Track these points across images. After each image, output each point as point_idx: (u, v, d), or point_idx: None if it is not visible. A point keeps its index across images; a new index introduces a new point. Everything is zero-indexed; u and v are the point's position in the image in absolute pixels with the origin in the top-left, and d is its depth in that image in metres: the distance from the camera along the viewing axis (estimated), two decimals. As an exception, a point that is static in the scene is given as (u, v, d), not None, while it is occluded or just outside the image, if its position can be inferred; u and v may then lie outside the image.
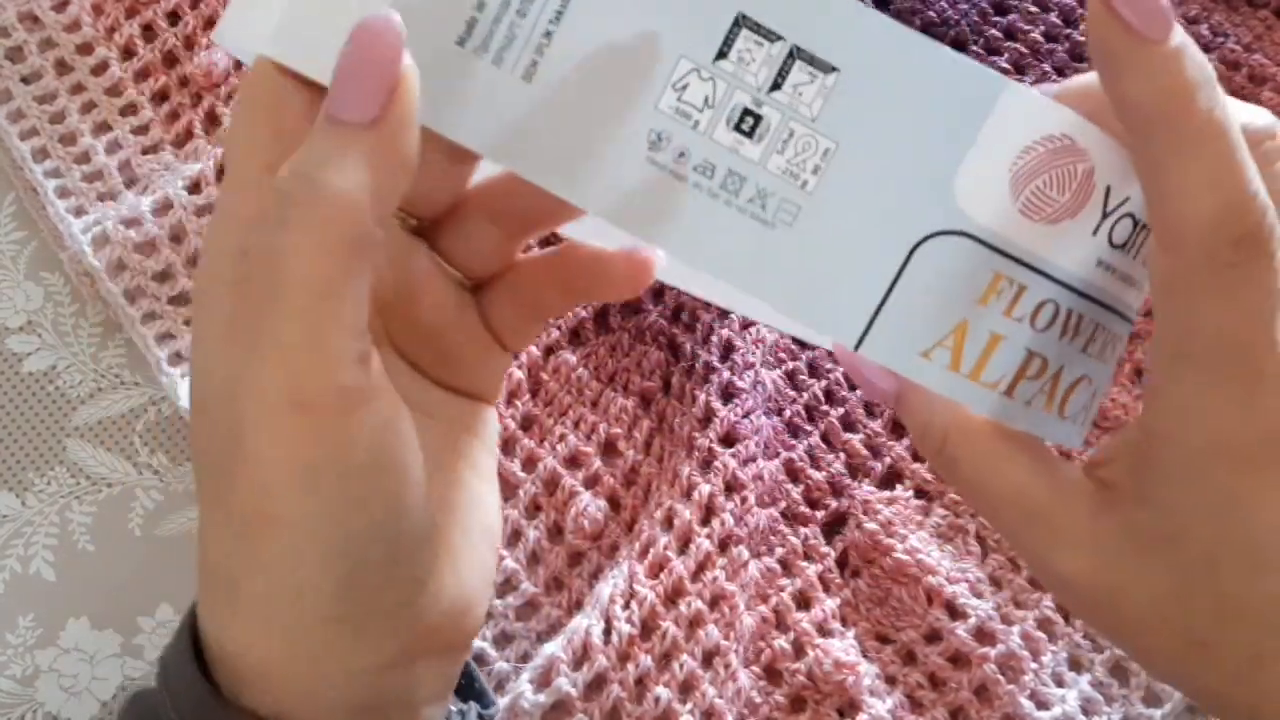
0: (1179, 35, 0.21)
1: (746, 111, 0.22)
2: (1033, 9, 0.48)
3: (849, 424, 0.41)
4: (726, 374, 0.40)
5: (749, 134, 0.22)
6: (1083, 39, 0.47)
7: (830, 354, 0.42)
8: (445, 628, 0.24)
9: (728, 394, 0.40)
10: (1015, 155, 0.22)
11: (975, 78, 0.21)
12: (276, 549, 0.21)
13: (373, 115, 0.19)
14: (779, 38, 0.21)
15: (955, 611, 0.38)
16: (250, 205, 0.21)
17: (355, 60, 0.19)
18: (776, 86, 0.22)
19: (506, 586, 0.39)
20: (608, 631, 0.36)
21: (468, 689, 0.29)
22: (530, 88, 0.21)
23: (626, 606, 0.37)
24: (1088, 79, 0.23)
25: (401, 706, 0.24)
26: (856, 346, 0.22)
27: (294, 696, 0.23)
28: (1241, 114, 0.22)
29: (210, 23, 0.49)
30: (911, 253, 0.22)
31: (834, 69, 0.21)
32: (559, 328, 0.42)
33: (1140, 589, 0.23)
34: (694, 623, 0.37)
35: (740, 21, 0.21)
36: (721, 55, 0.21)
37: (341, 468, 0.21)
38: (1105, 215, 0.22)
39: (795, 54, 0.21)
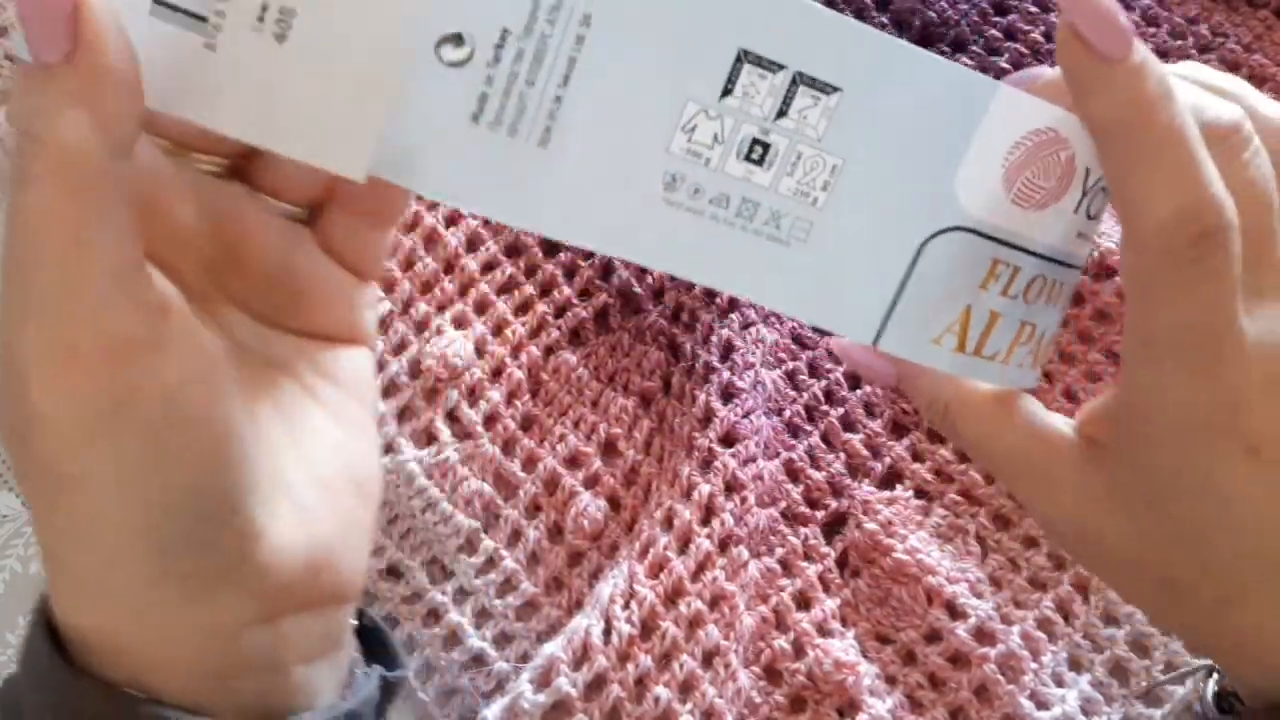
0: (1139, 52, 0.23)
1: (755, 141, 0.23)
2: (1033, 9, 0.48)
3: (849, 424, 0.41)
4: (726, 374, 0.40)
5: (759, 162, 0.23)
6: (1083, 39, 0.47)
7: (830, 353, 0.42)
8: (301, 583, 0.23)
9: (728, 394, 0.40)
10: (1007, 151, 0.23)
11: (969, 84, 0.23)
12: (80, 511, 0.21)
13: (65, 49, 0.19)
14: (780, 67, 0.22)
15: (955, 611, 0.38)
16: None
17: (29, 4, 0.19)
18: (782, 114, 0.22)
19: (507, 586, 0.39)
20: (607, 632, 0.36)
21: (379, 651, 0.28)
22: (547, 152, 0.22)
23: (626, 606, 0.37)
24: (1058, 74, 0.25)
25: (269, 668, 0.23)
26: (875, 342, 0.24)
27: (144, 663, 0.22)
28: (1208, 110, 0.24)
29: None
30: (919, 252, 0.24)
31: (836, 89, 0.22)
32: (559, 328, 0.42)
33: (1120, 536, 0.26)
34: (694, 623, 0.37)
35: (742, 57, 0.22)
36: (727, 92, 0.22)
37: (131, 421, 0.20)
38: (1085, 193, 0.24)
39: (798, 80, 0.22)
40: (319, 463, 0.25)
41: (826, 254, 0.23)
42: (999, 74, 0.46)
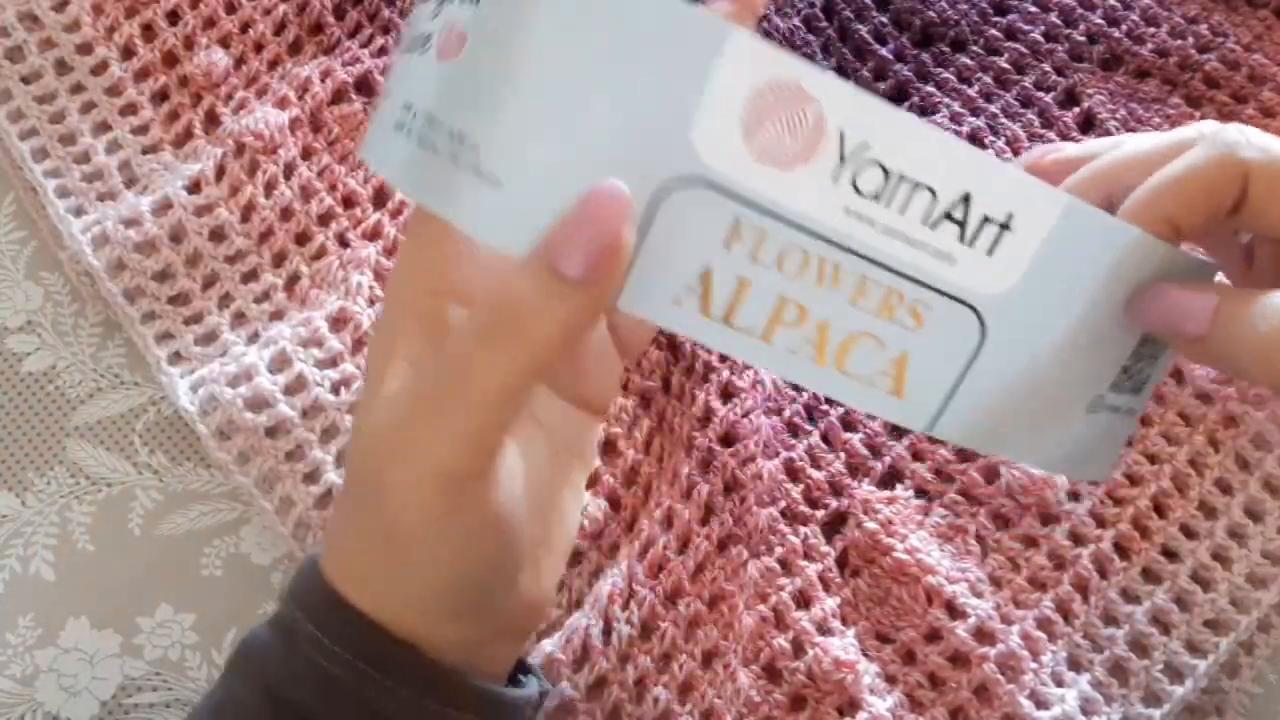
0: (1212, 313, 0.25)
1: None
2: (1032, 9, 0.48)
3: (849, 424, 0.41)
4: (726, 373, 0.40)
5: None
6: (1082, 39, 0.47)
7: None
8: (522, 619, 0.29)
9: (727, 393, 0.40)
10: (745, 100, 0.22)
11: (700, 24, 0.21)
12: (411, 570, 0.26)
13: (588, 276, 0.22)
14: None
15: (955, 611, 0.38)
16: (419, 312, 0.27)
17: (584, 221, 0.22)
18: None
19: (506, 586, 0.39)
20: (607, 632, 0.36)
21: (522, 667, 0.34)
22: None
23: (626, 607, 0.37)
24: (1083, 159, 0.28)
25: (479, 674, 0.29)
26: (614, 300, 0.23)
27: (406, 633, 0.27)
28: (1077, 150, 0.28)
29: (210, 22, 0.49)
30: (654, 203, 0.22)
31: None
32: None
33: None
34: (693, 623, 0.37)
35: None
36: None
37: (466, 526, 0.25)
38: (843, 160, 0.23)
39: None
40: (553, 527, 0.29)
41: (556, 198, 0.22)
42: (1000, 75, 0.47)
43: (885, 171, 0.23)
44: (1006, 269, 0.24)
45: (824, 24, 0.49)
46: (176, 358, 0.43)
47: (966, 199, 0.23)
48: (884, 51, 0.47)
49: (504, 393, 0.23)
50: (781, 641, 0.37)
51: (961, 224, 0.23)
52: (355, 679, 0.27)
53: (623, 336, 0.30)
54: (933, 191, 0.23)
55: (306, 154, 0.46)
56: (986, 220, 0.23)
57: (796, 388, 0.42)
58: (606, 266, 0.22)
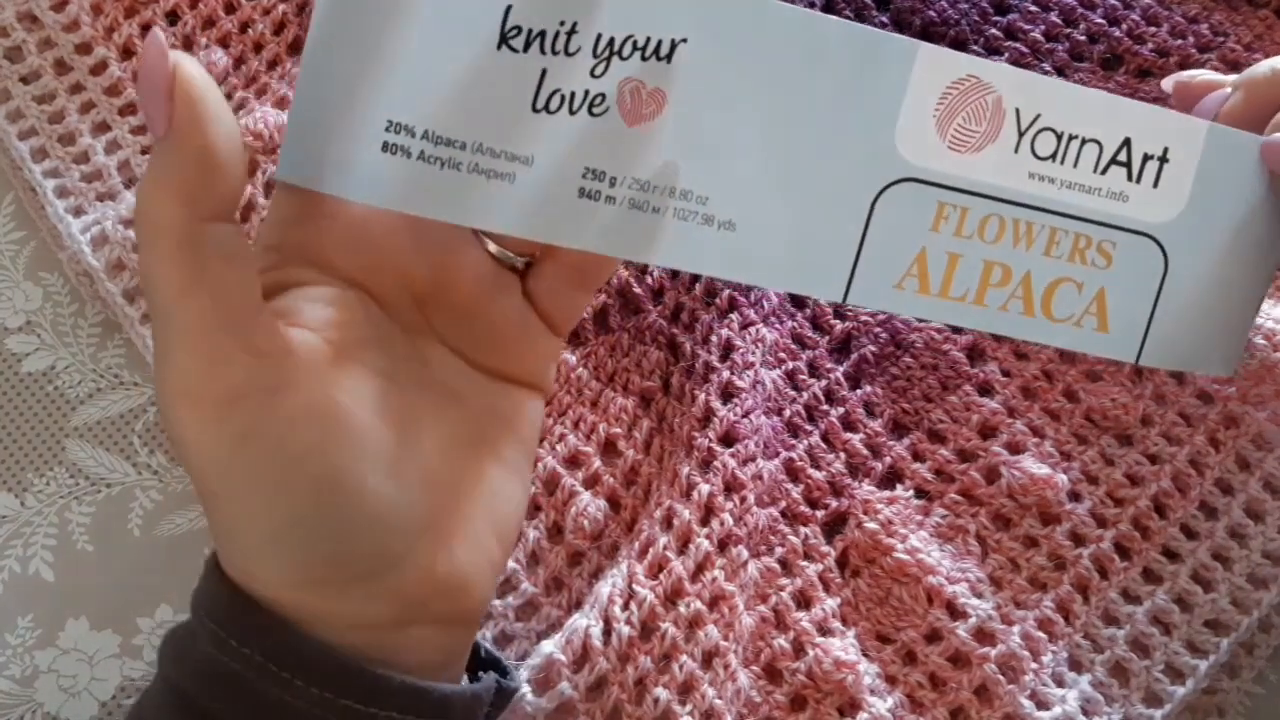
0: None
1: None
2: (1033, 8, 0.48)
3: (849, 424, 0.41)
4: (726, 374, 0.40)
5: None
6: (1082, 38, 0.47)
7: (830, 351, 0.42)
8: (435, 601, 0.26)
9: (727, 394, 0.40)
10: (936, 101, 0.26)
11: (892, 44, 0.25)
12: (225, 517, 0.24)
13: (163, 128, 0.21)
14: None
15: (955, 611, 0.37)
16: None
17: (140, 80, 0.21)
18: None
19: (506, 587, 0.39)
20: (607, 633, 0.36)
21: (492, 666, 0.31)
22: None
23: (626, 607, 0.37)
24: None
25: (391, 664, 0.26)
26: (844, 299, 0.27)
27: (308, 621, 0.25)
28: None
29: (209, 22, 0.49)
30: (872, 208, 0.26)
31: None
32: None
33: None
34: (693, 623, 0.37)
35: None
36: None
37: (254, 453, 0.23)
38: (1021, 133, 0.26)
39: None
40: (467, 498, 0.27)
41: (789, 226, 0.26)
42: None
43: (1057, 135, 0.27)
44: (1173, 196, 0.28)
45: (824, 23, 0.49)
46: (176, 358, 0.43)
47: (1127, 143, 0.27)
48: (884, 51, 0.47)
49: (170, 287, 0.22)
50: (782, 642, 0.37)
51: (1127, 165, 0.27)
52: (241, 665, 0.24)
53: (546, 309, 0.28)
54: (1098, 143, 0.27)
55: (306, 154, 0.46)
56: (1147, 158, 0.27)
57: (797, 388, 0.42)
58: (170, 111, 0.21)
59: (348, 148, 0.24)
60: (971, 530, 0.39)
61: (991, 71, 0.26)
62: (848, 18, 0.48)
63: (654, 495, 0.39)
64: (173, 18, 0.49)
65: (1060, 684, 0.37)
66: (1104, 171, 0.27)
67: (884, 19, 0.48)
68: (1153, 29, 0.47)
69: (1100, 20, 0.47)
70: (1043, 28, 0.47)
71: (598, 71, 0.24)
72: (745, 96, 0.25)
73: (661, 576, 0.37)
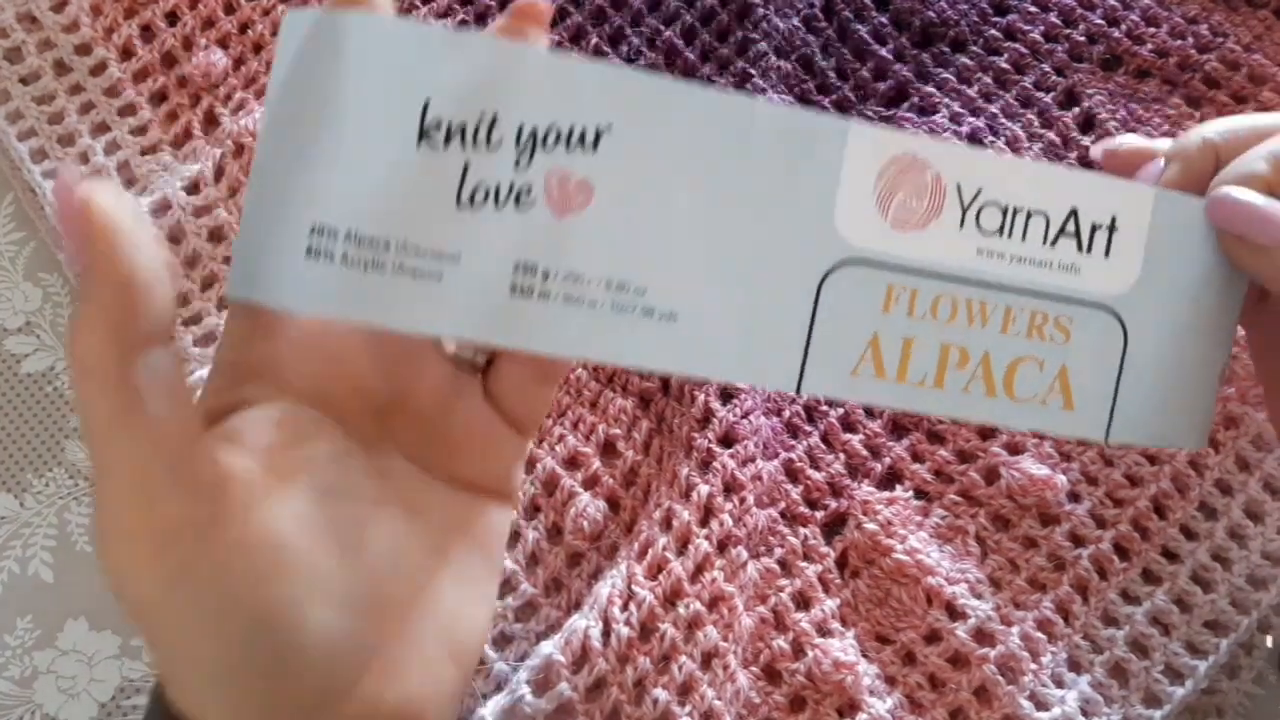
0: None
1: None
2: (1032, 9, 0.48)
3: (849, 424, 0.41)
4: (725, 374, 0.40)
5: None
6: (1082, 39, 0.47)
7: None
8: None
9: (726, 394, 0.40)
10: (874, 181, 0.25)
11: (823, 125, 0.25)
12: (166, 650, 0.23)
13: (80, 265, 0.21)
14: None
15: (955, 612, 0.37)
16: None
17: (58, 219, 0.21)
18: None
19: (506, 587, 0.39)
20: (606, 633, 0.36)
21: None
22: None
23: (625, 608, 0.37)
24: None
25: None
26: (798, 389, 0.25)
27: None
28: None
29: (209, 23, 0.49)
30: (818, 293, 0.25)
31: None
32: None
33: None
34: (693, 624, 0.37)
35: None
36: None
37: (191, 589, 0.22)
38: (965, 208, 0.26)
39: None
40: (418, 621, 0.25)
41: (733, 316, 0.25)
42: (999, 75, 0.47)
43: (1001, 209, 0.26)
44: (1125, 266, 0.27)
45: (823, 24, 0.48)
46: (175, 359, 0.43)
47: (1074, 213, 0.26)
48: (883, 52, 0.47)
49: (98, 427, 0.22)
50: (781, 643, 0.37)
51: (1076, 235, 0.26)
52: None
53: (509, 408, 0.27)
54: (1045, 215, 0.26)
55: (305, 154, 0.46)
56: (1095, 227, 0.26)
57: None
58: (87, 246, 0.21)
59: (279, 257, 0.23)
60: (971, 531, 0.39)
61: (928, 148, 0.25)
62: (847, 19, 0.48)
63: (653, 496, 0.39)
64: (172, 18, 0.49)
65: (1060, 685, 0.37)
66: (1053, 244, 0.26)
67: (883, 19, 0.48)
68: (1152, 30, 0.47)
69: (1099, 21, 0.47)
70: (1042, 28, 0.47)
71: (521, 163, 0.23)
72: (677, 183, 0.24)
73: (661, 577, 0.37)
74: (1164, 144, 0.30)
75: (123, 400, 0.21)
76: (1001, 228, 0.26)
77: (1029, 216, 0.26)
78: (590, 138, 0.23)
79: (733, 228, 0.24)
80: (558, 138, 0.23)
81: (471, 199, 0.23)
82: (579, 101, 0.23)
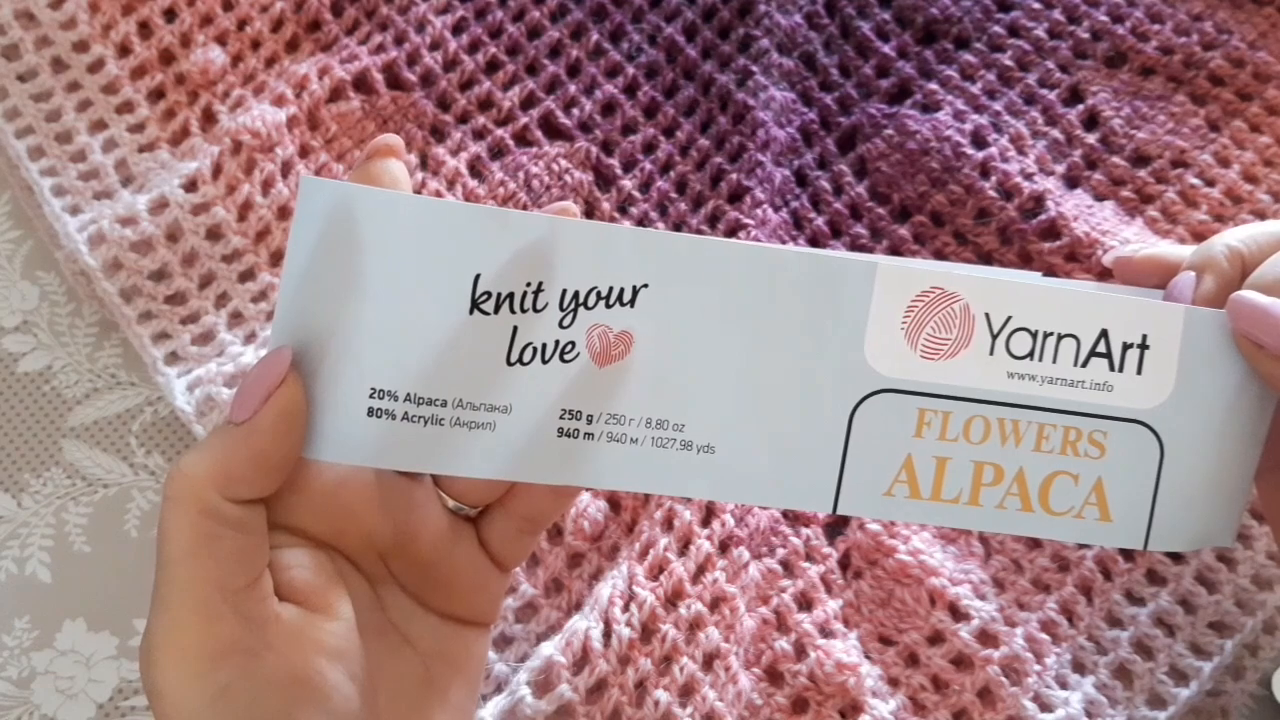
0: None
1: None
2: (1036, 5, 0.47)
3: (851, 424, 0.41)
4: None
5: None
6: (1086, 36, 0.47)
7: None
8: None
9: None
10: (902, 315, 0.26)
11: (851, 266, 0.26)
12: None
13: (245, 417, 0.24)
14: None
15: (958, 613, 0.37)
16: None
17: (247, 380, 0.25)
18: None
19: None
20: (607, 634, 0.36)
21: None
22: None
23: (626, 609, 0.36)
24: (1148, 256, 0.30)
25: None
26: (834, 509, 0.26)
27: None
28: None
29: (207, 20, 0.49)
30: (850, 421, 0.26)
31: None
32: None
33: None
34: (694, 625, 0.36)
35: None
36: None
37: (226, 708, 0.24)
38: (994, 335, 0.26)
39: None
40: None
41: (769, 446, 0.26)
42: (1003, 72, 0.46)
43: (1031, 334, 0.27)
44: (1159, 381, 0.27)
45: (826, 21, 0.48)
46: (173, 358, 0.43)
47: (1104, 334, 0.27)
48: (886, 49, 0.47)
49: (182, 544, 0.24)
50: (783, 644, 0.37)
51: (1107, 355, 0.27)
52: None
53: (497, 551, 0.30)
54: (1075, 337, 0.27)
55: (304, 152, 0.46)
56: (1127, 346, 0.27)
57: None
58: (260, 408, 0.24)
59: (336, 417, 0.25)
60: (974, 532, 0.39)
61: (955, 281, 0.26)
62: (849, 15, 0.48)
63: (654, 496, 0.39)
64: (170, 15, 0.49)
65: (1064, 686, 0.37)
66: (1085, 364, 0.27)
67: (886, 16, 0.48)
68: (1156, 26, 0.47)
69: (1104, 18, 0.47)
70: (1046, 25, 0.47)
71: (565, 323, 0.26)
72: (711, 329, 0.26)
73: (662, 578, 0.37)
74: (1179, 251, 0.30)
75: (208, 531, 0.24)
76: (1032, 352, 0.27)
77: (1059, 339, 0.27)
78: (629, 296, 0.25)
79: (766, 366, 0.26)
80: (598, 297, 0.25)
81: (521, 357, 0.26)
82: (617, 264, 0.25)
